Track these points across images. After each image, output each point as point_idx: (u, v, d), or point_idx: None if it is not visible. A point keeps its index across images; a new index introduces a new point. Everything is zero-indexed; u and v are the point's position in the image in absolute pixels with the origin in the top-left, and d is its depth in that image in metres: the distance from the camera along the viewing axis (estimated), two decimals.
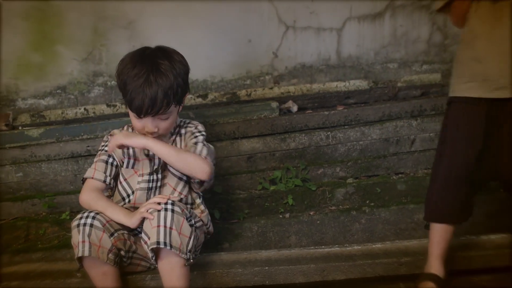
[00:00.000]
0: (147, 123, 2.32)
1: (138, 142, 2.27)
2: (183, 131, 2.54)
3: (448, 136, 2.24)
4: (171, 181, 2.47)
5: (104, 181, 2.43)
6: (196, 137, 2.47)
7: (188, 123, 2.58)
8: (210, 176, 2.35)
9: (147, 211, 2.15)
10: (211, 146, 2.53)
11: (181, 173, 2.41)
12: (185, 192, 2.48)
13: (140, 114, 2.27)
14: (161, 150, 2.28)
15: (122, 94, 2.32)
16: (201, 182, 2.41)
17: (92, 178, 2.42)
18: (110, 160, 2.48)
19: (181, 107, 2.44)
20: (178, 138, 2.53)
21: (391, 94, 3.73)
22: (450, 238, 2.22)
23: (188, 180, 2.49)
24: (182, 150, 2.36)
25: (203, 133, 2.51)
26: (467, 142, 2.17)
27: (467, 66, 2.15)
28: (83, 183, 2.46)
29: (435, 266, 2.22)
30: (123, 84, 2.28)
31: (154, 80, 2.23)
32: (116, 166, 2.47)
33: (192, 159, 2.32)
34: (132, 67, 2.27)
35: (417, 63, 3.91)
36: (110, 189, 2.50)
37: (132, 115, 2.34)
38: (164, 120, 2.34)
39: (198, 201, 2.55)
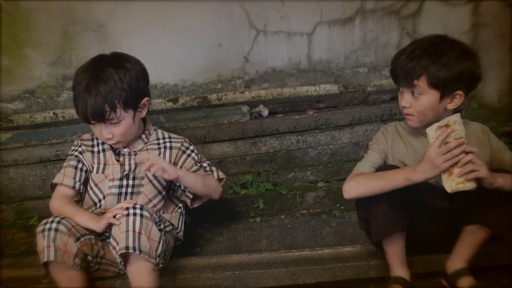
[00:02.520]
0: (101, 129, 2.36)
1: (175, 173, 2.31)
2: (168, 144, 2.56)
3: None
4: (148, 192, 2.48)
5: (74, 187, 2.42)
6: (189, 155, 2.57)
7: (169, 136, 2.61)
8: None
9: (113, 217, 2.14)
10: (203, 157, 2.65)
11: (195, 192, 2.50)
12: (159, 205, 2.49)
13: (86, 121, 2.33)
14: (191, 179, 2.41)
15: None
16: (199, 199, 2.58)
17: (61, 184, 2.42)
18: (80, 165, 2.47)
19: (138, 112, 2.43)
20: (167, 152, 2.55)
21: (361, 98, 3.76)
22: (404, 244, 2.25)
23: (167, 196, 2.54)
24: (204, 177, 2.49)
25: (192, 148, 2.61)
26: None
27: None
28: (51, 189, 2.45)
29: (399, 271, 2.25)
30: (73, 90, 2.36)
31: (93, 86, 2.27)
32: (86, 171, 2.47)
33: (214, 183, 2.52)
34: (79, 73, 2.34)
35: (387, 67, 3.89)
36: (79, 194, 2.48)
37: None
38: (116, 125, 2.36)
39: (179, 210, 2.58)
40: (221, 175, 2.58)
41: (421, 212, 2.23)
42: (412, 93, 2.17)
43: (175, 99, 3.56)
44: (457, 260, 2.25)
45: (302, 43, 3.82)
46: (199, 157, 2.59)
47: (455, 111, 2.15)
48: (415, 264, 2.38)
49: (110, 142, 2.40)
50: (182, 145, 2.58)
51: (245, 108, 3.44)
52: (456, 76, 2.10)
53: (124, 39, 3.51)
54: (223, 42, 3.72)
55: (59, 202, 2.38)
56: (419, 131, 2.31)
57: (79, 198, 2.50)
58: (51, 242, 2.09)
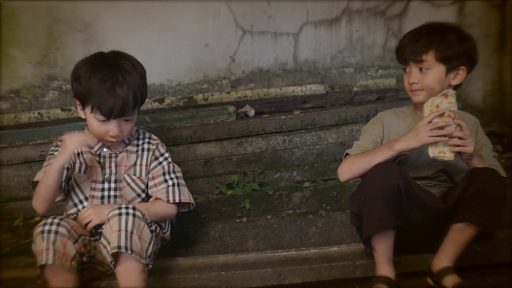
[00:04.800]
0: (112, 126, 2.32)
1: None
2: (146, 146, 2.55)
3: None
4: (127, 195, 2.48)
5: None
6: (160, 163, 2.53)
7: (149, 137, 2.59)
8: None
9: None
10: (176, 166, 2.58)
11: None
12: None
13: (110, 116, 2.28)
14: None
15: (85, 100, 2.31)
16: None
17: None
18: None
19: (139, 110, 2.46)
20: (144, 153, 2.53)
21: (347, 98, 3.77)
22: (392, 243, 2.27)
23: (147, 198, 2.53)
24: (151, 206, 2.41)
25: (166, 156, 2.57)
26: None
27: None
28: (33, 187, 2.41)
29: (385, 269, 2.27)
30: (87, 90, 2.28)
31: (123, 80, 2.26)
32: (68, 169, 2.42)
33: (161, 211, 2.45)
34: (95, 72, 2.28)
35: (373, 68, 3.96)
36: (63, 193, 2.46)
37: (95, 121, 2.33)
38: (128, 122, 2.37)
39: None
40: (182, 199, 2.47)
41: (415, 212, 2.25)
42: (420, 69, 2.34)
43: (161, 99, 3.55)
44: (443, 259, 2.27)
45: (288, 43, 3.83)
46: (171, 167, 2.54)
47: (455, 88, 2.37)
48: (403, 263, 2.41)
49: (114, 140, 2.37)
50: (157, 148, 2.55)
51: (231, 108, 3.44)
52: (461, 51, 2.33)
53: (110, 39, 3.49)
54: (209, 42, 3.71)
55: (37, 194, 2.33)
56: (418, 114, 2.45)
57: (63, 197, 2.47)
58: (50, 245, 2.07)
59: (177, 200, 2.45)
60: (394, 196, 2.16)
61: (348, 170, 2.33)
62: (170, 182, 2.48)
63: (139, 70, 2.36)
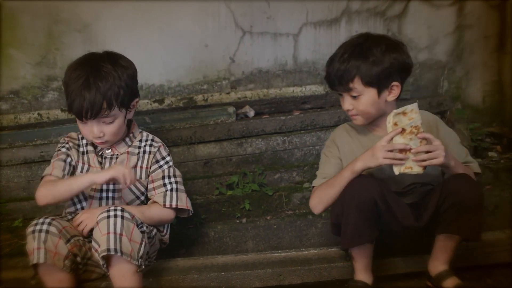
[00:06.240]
0: (92, 127, 2.34)
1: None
2: (147, 148, 2.55)
3: None
4: (126, 196, 2.49)
5: (63, 177, 2.41)
6: (161, 166, 2.52)
7: (152, 139, 2.59)
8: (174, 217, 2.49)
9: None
10: (177, 170, 2.57)
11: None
12: None
13: (80, 117, 2.30)
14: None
15: (65, 97, 2.34)
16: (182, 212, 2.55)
17: (50, 174, 2.41)
18: (69, 159, 2.47)
19: (129, 112, 2.44)
20: (145, 156, 2.53)
21: None
22: (371, 252, 2.29)
23: (146, 200, 2.53)
24: (146, 210, 2.39)
25: (167, 159, 2.56)
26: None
27: None
28: (41, 179, 2.44)
29: (361, 275, 2.30)
30: (65, 86, 2.33)
31: (93, 82, 2.26)
32: (73, 166, 2.47)
33: (157, 215, 2.43)
34: (74, 69, 2.32)
35: None
36: None
37: (77, 120, 2.35)
38: (109, 124, 2.36)
39: None
40: (179, 204, 2.46)
41: (392, 224, 2.24)
42: (352, 96, 2.27)
43: (161, 100, 3.55)
44: (437, 264, 2.30)
45: (288, 44, 3.83)
46: (171, 171, 2.53)
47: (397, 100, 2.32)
48: (401, 264, 2.44)
49: (99, 141, 2.39)
50: (158, 151, 2.55)
51: (231, 109, 3.43)
52: (387, 69, 2.22)
53: (109, 39, 3.49)
54: (209, 43, 3.71)
55: (48, 185, 2.35)
56: (368, 128, 2.41)
57: None
58: (41, 244, 2.08)
59: (173, 205, 2.44)
60: (371, 211, 2.15)
61: (319, 203, 2.36)
62: (168, 187, 2.48)
63: (119, 74, 2.33)
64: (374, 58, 2.22)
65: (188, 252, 2.90)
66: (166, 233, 2.55)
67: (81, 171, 2.46)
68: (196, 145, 3.27)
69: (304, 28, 3.85)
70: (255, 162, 3.33)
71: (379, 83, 2.24)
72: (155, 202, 2.46)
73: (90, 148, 2.49)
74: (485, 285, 2.33)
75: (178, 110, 3.50)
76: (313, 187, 2.44)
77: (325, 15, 3.86)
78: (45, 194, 2.33)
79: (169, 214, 2.46)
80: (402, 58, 2.27)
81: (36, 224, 2.11)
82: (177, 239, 2.81)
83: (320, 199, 2.35)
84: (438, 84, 4.09)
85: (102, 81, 2.26)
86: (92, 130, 2.34)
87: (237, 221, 3.03)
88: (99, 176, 2.24)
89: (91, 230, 2.22)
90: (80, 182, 2.28)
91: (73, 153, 2.48)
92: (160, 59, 3.64)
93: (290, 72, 3.85)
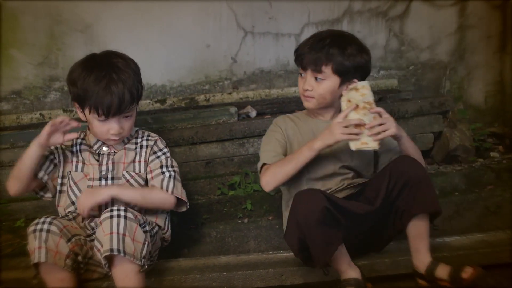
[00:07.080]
0: (113, 124, 2.36)
1: (105, 195, 2.29)
2: (144, 143, 2.56)
3: None
4: None
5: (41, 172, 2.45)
6: (158, 157, 2.54)
7: (148, 135, 2.61)
8: (174, 206, 2.49)
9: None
10: (174, 161, 2.58)
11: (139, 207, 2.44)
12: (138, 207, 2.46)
13: (109, 114, 2.31)
14: (128, 196, 2.34)
15: (83, 102, 2.35)
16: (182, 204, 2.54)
17: None
18: (51, 157, 2.50)
19: (137, 107, 2.47)
20: (143, 150, 2.55)
21: None
22: (345, 250, 2.29)
23: None
24: (147, 191, 2.44)
25: (165, 151, 2.57)
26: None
27: None
28: None
29: (348, 273, 2.27)
30: (84, 92, 2.31)
31: (117, 78, 2.30)
32: (55, 164, 2.49)
33: (157, 198, 2.44)
34: (89, 73, 2.32)
35: (374, 68, 3.95)
36: (54, 190, 2.51)
37: (95, 121, 2.37)
38: (128, 119, 2.40)
39: (165, 211, 2.57)
40: (170, 189, 2.46)
41: (350, 220, 2.26)
42: (316, 78, 2.44)
43: (163, 100, 3.55)
44: (421, 258, 2.32)
45: (290, 44, 3.82)
46: (169, 161, 2.55)
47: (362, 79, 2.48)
48: (396, 265, 2.45)
49: (117, 138, 2.40)
50: (155, 143, 2.57)
51: (233, 109, 3.43)
52: (357, 65, 2.44)
53: (111, 39, 3.49)
54: (210, 43, 3.71)
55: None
56: (310, 116, 2.57)
57: (53, 193, 2.53)
58: (42, 243, 2.09)
59: (169, 192, 2.45)
60: (328, 217, 2.16)
61: (273, 180, 2.40)
62: (167, 174, 2.49)
63: (132, 67, 2.40)
64: (351, 51, 2.42)
65: (190, 252, 2.90)
66: (167, 230, 2.55)
67: (76, 170, 2.48)
68: (198, 145, 3.27)
69: (306, 28, 3.84)
70: (257, 162, 3.32)
71: (345, 75, 2.42)
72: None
73: (83, 146, 2.52)
74: (486, 285, 2.32)
75: (180, 110, 3.50)
76: (264, 164, 2.47)
77: (326, 15, 3.86)
78: (11, 180, 2.40)
79: (170, 198, 2.46)
80: (369, 62, 2.51)
81: (37, 224, 2.12)
82: (179, 239, 2.81)
83: (274, 175, 2.39)
84: (440, 84, 4.09)
85: (124, 75, 2.32)
86: (113, 126, 2.36)
87: (239, 221, 3.03)
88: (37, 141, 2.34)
89: (92, 227, 2.22)
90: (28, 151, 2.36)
91: (65, 153, 2.51)
92: (162, 59, 3.64)
93: (292, 72, 3.84)
